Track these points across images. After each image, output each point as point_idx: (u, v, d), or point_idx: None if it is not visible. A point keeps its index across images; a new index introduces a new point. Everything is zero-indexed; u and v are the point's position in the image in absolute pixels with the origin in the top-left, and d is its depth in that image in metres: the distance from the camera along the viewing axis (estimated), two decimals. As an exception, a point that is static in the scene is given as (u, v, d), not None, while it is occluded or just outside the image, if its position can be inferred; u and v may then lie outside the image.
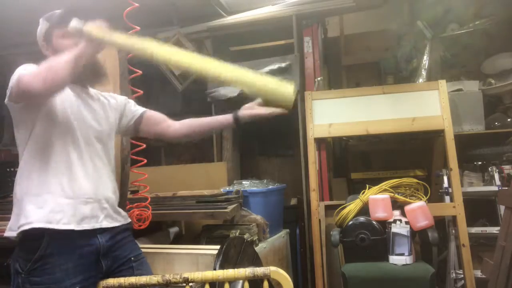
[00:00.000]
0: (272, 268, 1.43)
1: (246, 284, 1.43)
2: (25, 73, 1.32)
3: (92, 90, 1.62)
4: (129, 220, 1.62)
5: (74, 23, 1.37)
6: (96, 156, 1.51)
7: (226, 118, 1.66)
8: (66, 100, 1.46)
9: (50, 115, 1.41)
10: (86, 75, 1.51)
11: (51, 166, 1.40)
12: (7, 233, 1.40)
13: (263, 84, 1.38)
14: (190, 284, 1.44)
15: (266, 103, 1.51)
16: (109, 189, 1.53)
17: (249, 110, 1.61)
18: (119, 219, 1.54)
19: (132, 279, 1.43)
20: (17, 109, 1.41)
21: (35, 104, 1.39)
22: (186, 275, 1.42)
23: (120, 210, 1.59)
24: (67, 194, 1.39)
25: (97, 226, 1.44)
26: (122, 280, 1.43)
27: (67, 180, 1.40)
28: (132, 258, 1.53)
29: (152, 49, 1.36)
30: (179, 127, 1.71)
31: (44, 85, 1.27)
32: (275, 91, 1.37)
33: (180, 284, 1.42)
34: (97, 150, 1.52)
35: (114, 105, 1.68)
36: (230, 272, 1.42)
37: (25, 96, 1.33)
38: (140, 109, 1.74)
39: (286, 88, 1.41)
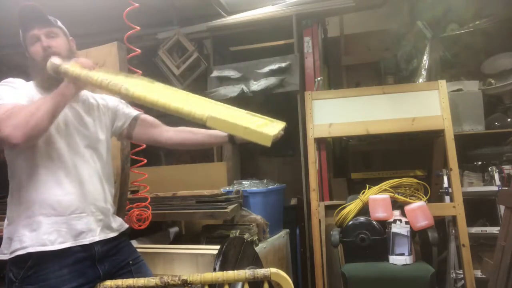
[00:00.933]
0: (273, 269, 1.40)
1: (246, 286, 1.41)
2: (2, 119, 1.25)
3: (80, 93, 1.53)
4: (125, 226, 1.59)
5: (52, 61, 1.35)
6: (86, 165, 1.45)
7: (222, 136, 1.62)
8: None
9: None
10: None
11: (39, 185, 1.35)
12: None
13: (244, 126, 1.29)
14: (189, 286, 1.41)
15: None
16: (103, 199, 1.48)
17: None
18: (115, 229, 1.51)
19: (130, 281, 1.40)
20: None
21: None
22: (185, 277, 1.39)
23: (116, 218, 1.56)
24: (59, 212, 1.35)
25: (97, 239, 1.41)
26: (119, 282, 1.41)
27: (56, 198, 1.35)
28: (131, 262, 1.51)
29: (128, 88, 1.31)
30: (173, 135, 1.65)
31: (24, 138, 1.24)
32: (254, 133, 1.28)
33: (178, 287, 1.40)
34: (87, 158, 1.46)
35: (105, 107, 1.60)
36: (229, 274, 1.39)
37: (2, 143, 1.29)
38: (133, 112, 1.67)
39: (267, 130, 1.31)
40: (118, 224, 1.55)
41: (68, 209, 1.36)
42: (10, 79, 1.42)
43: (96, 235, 1.41)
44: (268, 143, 1.27)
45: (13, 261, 1.33)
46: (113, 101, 1.65)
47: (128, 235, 1.60)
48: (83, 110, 1.51)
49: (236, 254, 1.83)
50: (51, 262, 1.31)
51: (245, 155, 3.61)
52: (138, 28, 1.95)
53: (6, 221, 1.40)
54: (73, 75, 1.32)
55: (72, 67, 1.34)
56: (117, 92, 1.33)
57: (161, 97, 1.32)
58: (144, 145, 2.01)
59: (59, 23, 1.50)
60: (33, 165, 1.36)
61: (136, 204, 2.08)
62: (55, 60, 1.36)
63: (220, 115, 1.30)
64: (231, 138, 1.61)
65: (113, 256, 1.46)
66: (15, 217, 1.37)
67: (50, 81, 1.40)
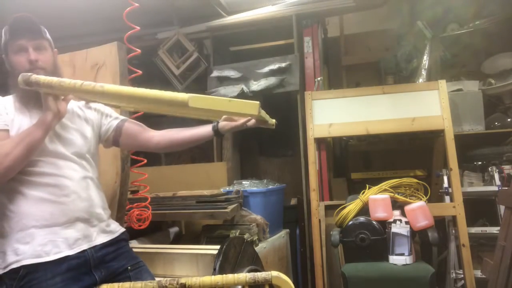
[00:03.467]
0: (274, 273, 1.37)
1: (246, 289, 1.38)
2: None
3: None
4: (122, 229, 1.57)
5: (21, 77, 1.35)
6: (75, 172, 1.43)
7: (206, 131, 1.58)
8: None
9: None
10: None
11: (28, 198, 1.34)
12: None
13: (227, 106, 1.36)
14: None
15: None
16: (96, 204, 1.47)
17: (228, 122, 1.54)
18: (114, 231, 1.51)
19: (127, 285, 1.38)
20: None
21: None
22: (183, 281, 1.35)
23: (112, 221, 1.55)
24: (51, 223, 1.34)
25: (93, 244, 1.40)
26: (116, 286, 1.38)
27: (47, 209, 1.34)
28: (129, 268, 1.48)
29: (102, 85, 1.34)
30: (160, 141, 1.61)
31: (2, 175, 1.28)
32: (240, 103, 1.34)
33: None
34: (75, 165, 1.45)
35: (90, 115, 1.59)
36: (229, 278, 1.35)
37: None
38: (115, 120, 1.64)
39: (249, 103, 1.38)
40: (115, 226, 1.54)
41: (60, 219, 1.35)
42: None
43: (93, 240, 1.40)
44: (255, 111, 1.30)
45: (6, 274, 1.31)
46: (97, 108, 1.63)
47: (127, 240, 1.58)
48: (67, 118, 1.48)
49: (236, 254, 1.83)
50: (43, 272, 1.29)
51: (245, 155, 3.61)
52: (138, 28, 1.95)
53: None
54: (45, 82, 1.32)
55: (42, 77, 1.34)
56: (91, 91, 1.35)
57: (137, 89, 1.34)
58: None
59: (47, 34, 1.49)
60: (20, 179, 1.35)
61: (136, 204, 2.08)
62: (23, 75, 1.35)
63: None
64: (216, 130, 1.56)
65: (110, 262, 1.44)
66: (7, 231, 1.34)
67: (31, 93, 1.39)
